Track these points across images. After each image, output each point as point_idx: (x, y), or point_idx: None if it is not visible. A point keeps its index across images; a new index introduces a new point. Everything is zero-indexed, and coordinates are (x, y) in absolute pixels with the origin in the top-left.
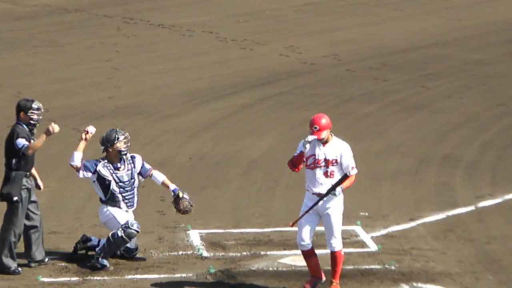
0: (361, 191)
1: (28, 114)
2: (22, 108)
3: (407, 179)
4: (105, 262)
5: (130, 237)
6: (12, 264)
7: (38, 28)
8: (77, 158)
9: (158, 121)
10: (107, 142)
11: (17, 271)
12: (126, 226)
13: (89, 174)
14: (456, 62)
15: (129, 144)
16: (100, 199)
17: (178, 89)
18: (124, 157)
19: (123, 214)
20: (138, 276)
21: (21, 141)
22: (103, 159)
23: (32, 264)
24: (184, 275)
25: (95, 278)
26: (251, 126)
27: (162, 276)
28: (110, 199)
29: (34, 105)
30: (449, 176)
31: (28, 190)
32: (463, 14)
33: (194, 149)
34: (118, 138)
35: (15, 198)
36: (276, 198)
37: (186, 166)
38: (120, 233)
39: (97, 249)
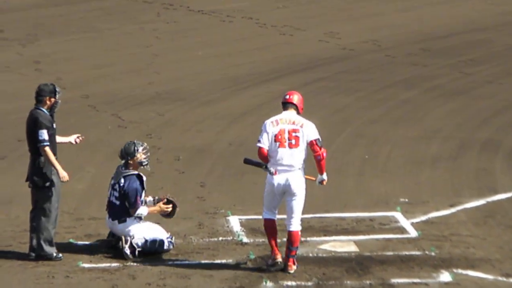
0: (401, 177)
1: (55, 97)
2: (48, 93)
3: (446, 165)
4: (135, 255)
5: (168, 249)
6: (53, 250)
7: (77, 14)
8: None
9: (199, 107)
10: (127, 155)
11: (58, 256)
12: (171, 241)
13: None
14: (497, 47)
15: (149, 154)
16: (122, 216)
17: (218, 75)
18: (146, 167)
19: (157, 227)
20: (178, 262)
21: (44, 135)
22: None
23: (33, 255)
24: (224, 261)
25: (136, 264)
26: None
27: (202, 262)
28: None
29: (57, 88)
30: (489, 162)
31: (57, 175)
32: None
33: (234, 135)
34: (137, 150)
35: (48, 184)
36: (315, 184)
37: (227, 152)
38: (166, 246)
39: (140, 242)
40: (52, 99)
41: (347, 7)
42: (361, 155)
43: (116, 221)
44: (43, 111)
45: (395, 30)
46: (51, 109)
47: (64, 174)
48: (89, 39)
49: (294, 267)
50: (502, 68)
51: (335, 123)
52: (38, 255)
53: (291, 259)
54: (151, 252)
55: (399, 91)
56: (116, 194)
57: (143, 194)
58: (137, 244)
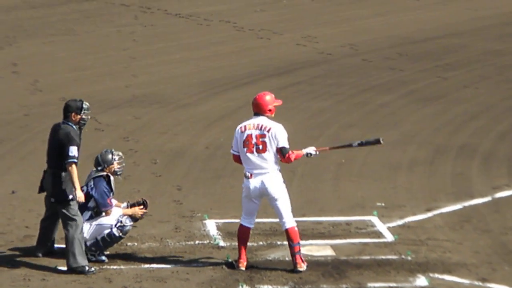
0: (378, 181)
1: (81, 115)
2: (74, 109)
3: (423, 169)
4: (103, 257)
5: (127, 233)
6: (85, 263)
7: (55, 16)
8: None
9: (175, 110)
10: (104, 163)
11: (91, 271)
12: (121, 226)
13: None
14: (473, 52)
15: (123, 165)
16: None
17: (195, 78)
18: (119, 176)
19: (105, 218)
20: (154, 265)
21: (75, 151)
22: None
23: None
24: (200, 264)
25: (112, 267)
26: None
27: (179, 265)
28: (97, 214)
29: (85, 105)
30: (465, 167)
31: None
32: (480, 4)
33: (210, 138)
34: (114, 159)
35: (70, 197)
36: (292, 188)
37: (203, 156)
38: (117, 233)
39: (90, 245)
40: (78, 116)
41: (325, 11)
42: (338, 159)
43: None
44: (72, 126)
45: (373, 35)
46: (79, 124)
47: (80, 195)
48: (67, 42)
49: (304, 265)
50: (478, 72)
51: (312, 127)
52: (70, 268)
53: (297, 256)
54: (111, 245)
55: (376, 95)
56: None
57: (111, 195)
58: (91, 249)
